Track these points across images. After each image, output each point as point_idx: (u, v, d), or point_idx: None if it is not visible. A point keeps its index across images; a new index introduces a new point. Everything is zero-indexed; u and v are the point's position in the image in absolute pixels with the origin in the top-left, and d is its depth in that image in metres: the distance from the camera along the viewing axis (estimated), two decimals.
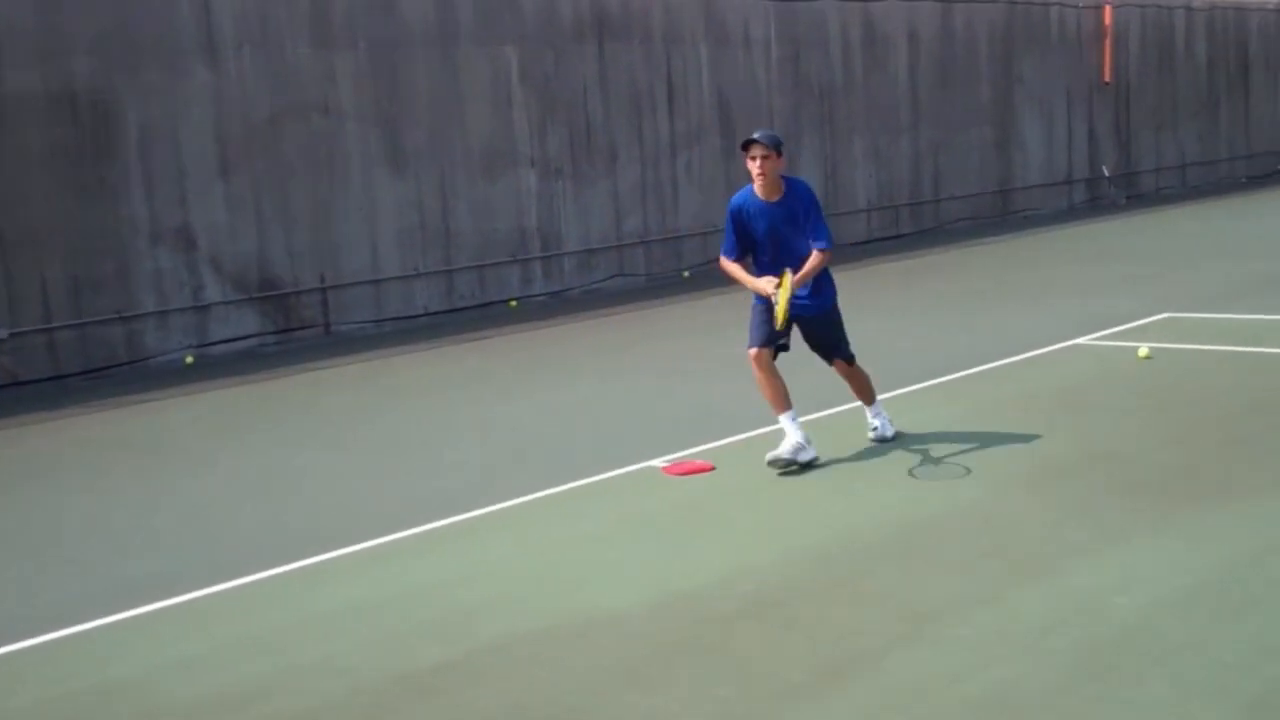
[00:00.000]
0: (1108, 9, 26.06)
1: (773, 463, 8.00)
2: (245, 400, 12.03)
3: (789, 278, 7.88)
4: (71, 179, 13.37)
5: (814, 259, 8.01)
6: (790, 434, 8.12)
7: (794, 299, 7.98)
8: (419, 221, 16.07)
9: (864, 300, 15.26)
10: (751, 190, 8.15)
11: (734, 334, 13.65)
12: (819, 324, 8.39)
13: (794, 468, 8.02)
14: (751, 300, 8.27)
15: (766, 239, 8.15)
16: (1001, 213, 24.28)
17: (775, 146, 8.05)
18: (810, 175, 20.54)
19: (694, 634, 5.67)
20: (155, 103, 13.90)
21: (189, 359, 14.02)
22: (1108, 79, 26.25)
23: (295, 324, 15.07)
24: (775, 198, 8.10)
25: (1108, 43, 26.06)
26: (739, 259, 8.29)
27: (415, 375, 12.78)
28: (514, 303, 16.91)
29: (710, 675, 5.24)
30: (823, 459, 8.21)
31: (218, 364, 13.82)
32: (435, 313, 16.23)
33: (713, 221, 19.20)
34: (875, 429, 8.66)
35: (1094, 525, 6.69)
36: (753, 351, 8.23)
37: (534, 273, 17.29)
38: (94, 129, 13.50)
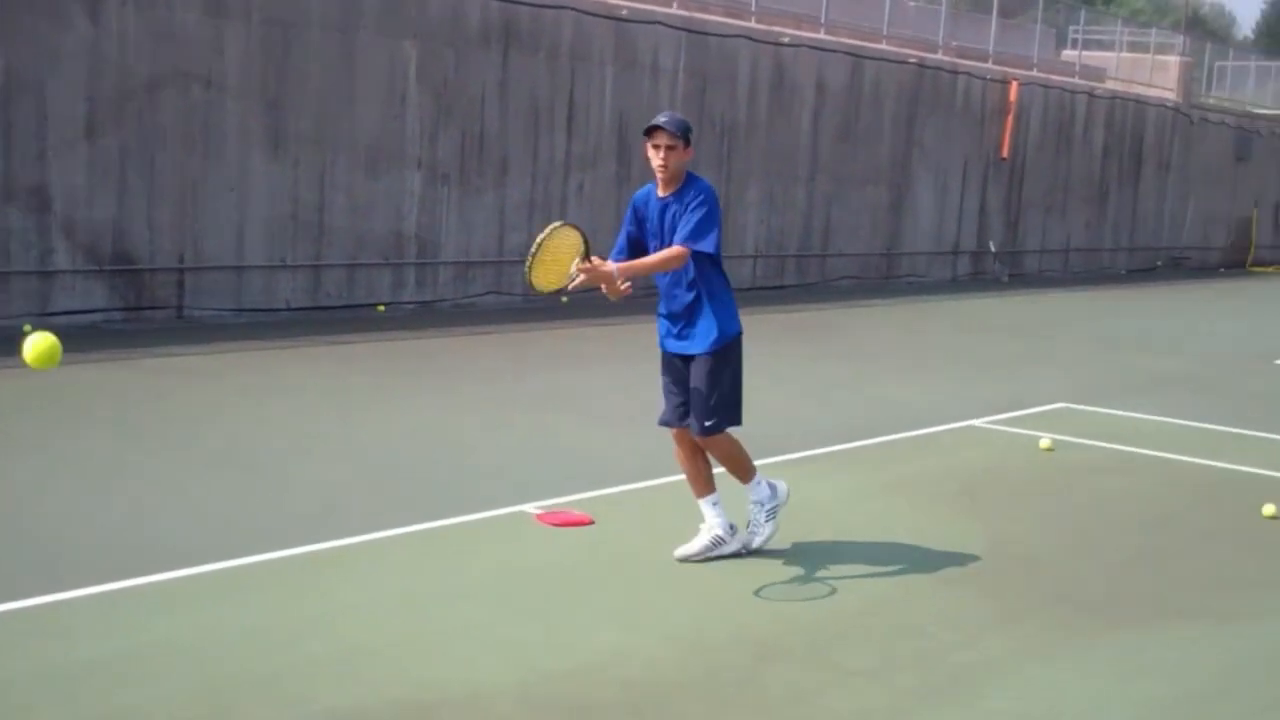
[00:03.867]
0: (1014, 84, 26.00)
1: (684, 559, 6.95)
2: (85, 381, 11.02)
3: (596, 263, 6.59)
4: None
5: (661, 253, 6.75)
6: (710, 523, 7.03)
7: (671, 334, 6.92)
8: (291, 211, 15.15)
9: (747, 352, 14.71)
10: (653, 186, 6.87)
11: (616, 370, 13.03)
12: (695, 368, 6.88)
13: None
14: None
15: (656, 240, 6.83)
16: (886, 275, 23.98)
17: (683, 134, 6.70)
18: None
19: None
20: (26, 50, 12.86)
21: (28, 328, 12.95)
22: (1005, 155, 26.18)
23: (147, 303, 14.07)
24: (671, 191, 6.77)
25: (1009, 119, 25.99)
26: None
27: (270, 375, 11.87)
28: (382, 307, 16.06)
29: None
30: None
31: (59, 336, 12.74)
32: (299, 308, 15.32)
33: (600, 248, 18.49)
34: (756, 507, 7.14)
35: (1014, 639, 6.09)
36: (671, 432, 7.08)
37: (406, 278, 16.45)
38: None
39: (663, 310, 6.98)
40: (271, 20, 14.65)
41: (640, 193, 6.98)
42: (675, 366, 6.98)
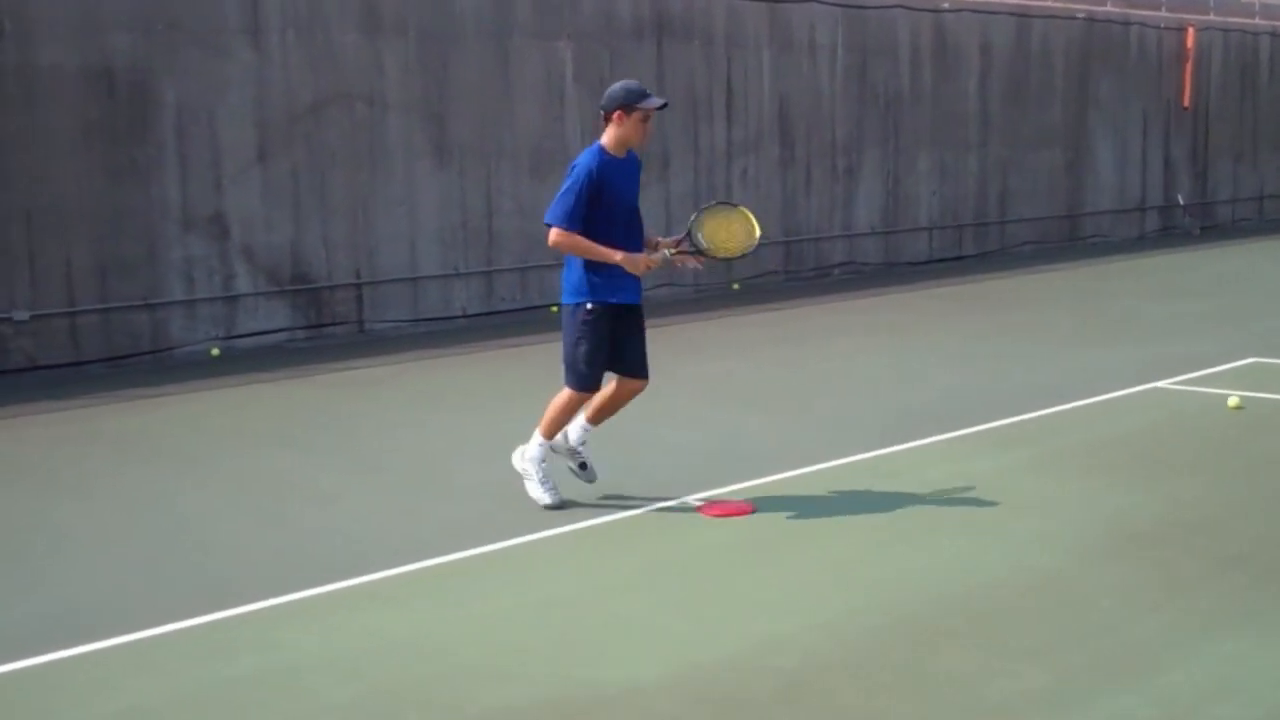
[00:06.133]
0: (1190, 30, 25.08)
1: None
2: (267, 399, 11.37)
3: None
4: (103, 159, 12.77)
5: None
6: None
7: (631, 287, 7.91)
8: (461, 219, 15.39)
9: (922, 327, 14.58)
10: (600, 149, 7.64)
11: (782, 353, 12.96)
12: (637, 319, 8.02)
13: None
14: (579, 317, 7.66)
15: (622, 202, 7.72)
16: (1069, 238, 23.36)
17: None
18: (872, 189, 19.75)
19: None
20: (194, 83, 13.29)
21: (215, 351, 13.43)
22: (1186, 104, 25.27)
23: (328, 320, 14.43)
24: (624, 153, 7.77)
25: (1188, 66, 25.07)
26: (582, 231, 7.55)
27: (448, 382, 12.09)
28: (555, 308, 16.20)
29: None
30: (871, 512, 7.44)
31: (244, 358, 13.21)
32: (474, 315, 15.56)
33: (766, 234, 18.39)
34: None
35: (1189, 611, 5.86)
36: (584, 394, 7.78)
37: None
38: (129, 108, 12.91)
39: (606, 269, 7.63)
40: (427, 34, 14.89)
41: (588, 160, 7.59)
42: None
